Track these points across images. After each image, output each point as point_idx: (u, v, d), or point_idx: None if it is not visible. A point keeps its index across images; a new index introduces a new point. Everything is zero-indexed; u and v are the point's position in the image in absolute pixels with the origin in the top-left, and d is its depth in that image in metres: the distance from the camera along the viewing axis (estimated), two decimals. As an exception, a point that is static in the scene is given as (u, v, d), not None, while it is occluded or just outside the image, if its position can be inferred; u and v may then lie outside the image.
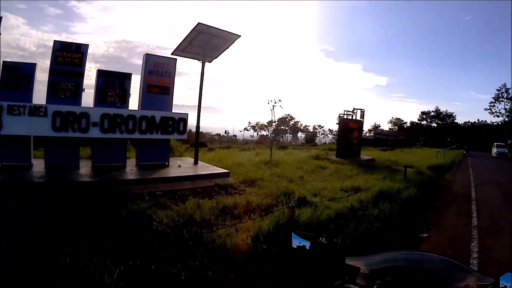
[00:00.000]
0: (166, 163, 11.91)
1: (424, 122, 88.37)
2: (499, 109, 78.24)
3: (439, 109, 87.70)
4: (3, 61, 10.17)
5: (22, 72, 10.11)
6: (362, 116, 24.22)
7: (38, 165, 10.49)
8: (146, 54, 11.55)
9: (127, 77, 11.21)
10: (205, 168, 11.90)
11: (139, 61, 11.68)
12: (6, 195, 7.09)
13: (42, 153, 10.96)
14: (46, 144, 10.56)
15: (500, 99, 77.70)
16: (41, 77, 10.93)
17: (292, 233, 1.64)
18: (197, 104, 12.95)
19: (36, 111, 9.87)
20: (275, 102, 17.36)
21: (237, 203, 7.70)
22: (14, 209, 6.28)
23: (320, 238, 1.59)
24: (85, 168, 10.62)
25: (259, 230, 5.64)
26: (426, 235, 7.07)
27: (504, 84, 76.80)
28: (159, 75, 11.65)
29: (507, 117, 76.15)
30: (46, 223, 5.48)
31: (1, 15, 10.38)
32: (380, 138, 47.97)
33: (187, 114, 12.01)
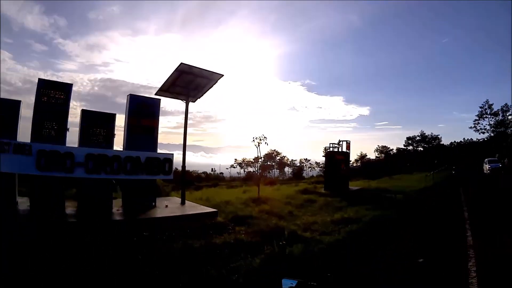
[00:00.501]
0: (153, 203, 11.68)
1: (410, 147, 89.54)
2: (484, 126, 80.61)
3: (424, 133, 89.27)
4: None
5: (5, 109, 9.98)
6: (348, 147, 24.35)
7: (23, 203, 10.28)
8: (130, 94, 11.52)
9: (111, 117, 11.11)
10: (193, 208, 11.73)
11: (124, 100, 11.69)
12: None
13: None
14: (32, 183, 10.23)
15: (484, 116, 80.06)
16: (27, 114, 10.80)
17: (283, 280, 1.58)
18: (182, 143, 12.91)
19: (21, 149, 9.63)
20: (260, 139, 17.44)
21: (226, 242, 7.57)
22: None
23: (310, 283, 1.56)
24: (70, 208, 10.38)
25: (249, 269, 5.64)
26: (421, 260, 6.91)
27: (486, 101, 79.16)
28: (143, 115, 11.57)
29: (492, 132, 78.24)
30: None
31: None
32: (367, 167, 48.16)
33: (173, 154, 11.85)
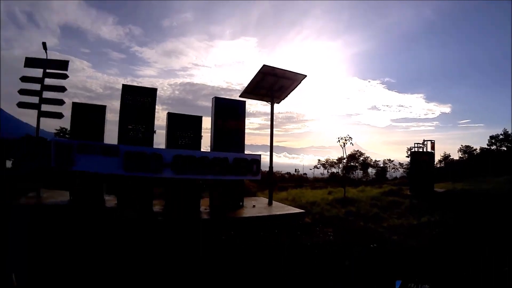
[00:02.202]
0: (241, 203, 11.44)
1: (493, 147, 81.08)
2: None
3: (507, 131, 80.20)
4: (73, 102, 10.54)
5: (93, 114, 10.41)
6: (433, 147, 22.36)
7: (110, 201, 10.63)
8: (215, 97, 11.30)
9: (198, 120, 11.03)
10: (280, 208, 11.36)
11: (205, 103, 11.59)
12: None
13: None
14: (119, 183, 10.58)
15: None
16: (111, 118, 11.11)
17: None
18: (266, 143, 12.51)
19: (108, 150, 10.01)
20: (346, 140, 16.75)
21: (314, 243, 7.38)
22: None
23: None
24: (157, 207, 10.51)
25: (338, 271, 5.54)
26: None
27: None
28: (229, 117, 11.34)
29: None
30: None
31: (67, 60, 10.90)
32: (451, 168, 44.17)
33: (260, 155, 11.50)
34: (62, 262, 5.45)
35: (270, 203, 12.22)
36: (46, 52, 10.97)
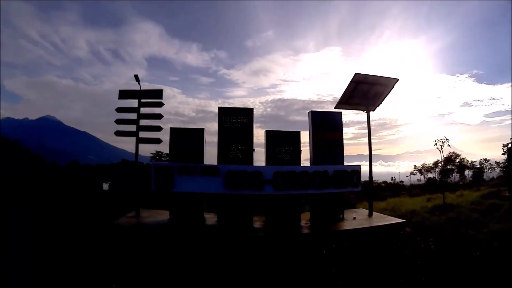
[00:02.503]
0: (341, 215, 11.09)
1: None
2: None
3: None
4: (170, 128, 10.86)
5: (191, 137, 10.67)
6: (533, 142, 20.90)
7: (211, 219, 10.78)
8: (311, 111, 11.12)
9: (296, 135, 10.88)
10: (381, 219, 10.92)
11: (297, 117, 11.47)
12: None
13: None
14: (219, 201, 10.67)
15: None
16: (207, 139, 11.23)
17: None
18: (361, 153, 12.10)
19: (208, 170, 10.20)
20: (442, 142, 15.97)
21: (417, 254, 6.98)
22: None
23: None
24: (258, 223, 10.46)
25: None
26: None
27: None
28: (326, 130, 11.09)
29: None
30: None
31: (161, 89, 11.23)
32: None
33: (360, 166, 11.09)
34: (164, 279, 5.51)
35: (370, 214, 11.76)
36: (139, 83, 11.27)
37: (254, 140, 10.75)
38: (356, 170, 10.91)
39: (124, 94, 11.29)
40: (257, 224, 10.35)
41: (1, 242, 5.80)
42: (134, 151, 11.20)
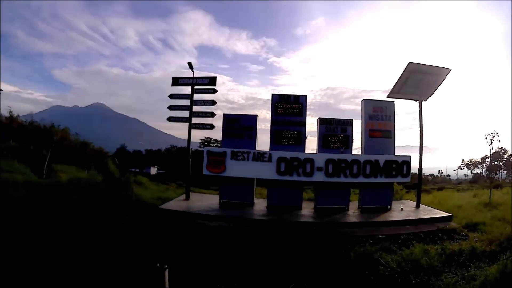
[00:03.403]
0: (389, 206, 10.97)
1: None
2: None
3: None
4: (224, 114, 11.02)
5: (243, 123, 10.86)
6: None
7: (260, 204, 10.89)
8: (364, 99, 11.08)
9: (348, 123, 10.88)
10: (428, 212, 10.67)
11: (346, 106, 11.50)
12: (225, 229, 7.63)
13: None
14: (269, 186, 10.89)
15: None
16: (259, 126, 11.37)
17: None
18: (413, 144, 11.86)
19: (260, 157, 10.37)
20: (493, 136, 15.69)
21: (462, 249, 6.87)
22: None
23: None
24: (307, 210, 10.54)
25: (485, 278, 5.13)
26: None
27: None
28: (379, 119, 11.00)
29: None
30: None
31: (214, 76, 11.43)
32: None
33: (410, 156, 10.90)
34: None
35: (417, 206, 11.57)
36: (192, 70, 11.45)
37: (308, 128, 10.86)
38: (407, 160, 10.78)
39: (177, 81, 11.51)
40: (305, 211, 10.38)
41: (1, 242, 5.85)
42: (182, 137, 11.39)
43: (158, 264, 3.21)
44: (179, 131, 11.46)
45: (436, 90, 11.56)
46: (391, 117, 11.10)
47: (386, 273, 5.25)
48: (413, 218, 9.81)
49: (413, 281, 4.95)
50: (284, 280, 4.87)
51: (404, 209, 10.88)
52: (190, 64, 11.48)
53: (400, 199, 13.29)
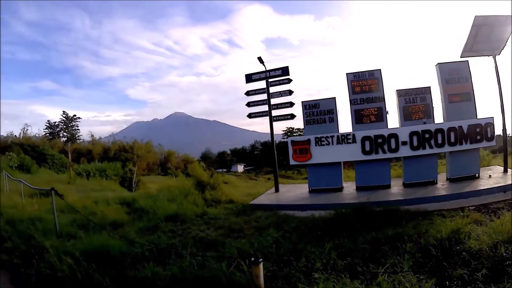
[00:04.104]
0: (477, 174, 10.72)
1: None
2: None
3: None
4: (302, 101, 11.25)
5: (323, 108, 11.04)
6: None
7: (349, 187, 11.06)
8: (439, 63, 10.84)
9: (427, 91, 10.72)
10: None
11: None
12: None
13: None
14: (357, 167, 10.99)
15: None
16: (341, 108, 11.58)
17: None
18: (497, 104, 11.46)
19: (344, 139, 10.60)
20: None
21: None
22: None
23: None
24: (396, 187, 10.55)
25: None
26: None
27: None
28: (456, 82, 10.74)
29: None
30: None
31: (287, 65, 11.77)
32: None
33: (493, 117, 10.65)
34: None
35: (505, 171, 11.25)
36: (263, 64, 11.86)
37: (386, 101, 10.85)
38: (490, 122, 10.55)
39: (251, 77, 11.96)
40: (394, 189, 10.41)
41: None
42: (264, 132, 11.78)
43: (253, 258, 3.18)
44: (260, 125, 11.91)
45: (508, 41, 11.29)
46: (468, 78, 10.80)
47: (478, 247, 4.91)
48: (502, 184, 9.47)
49: (504, 254, 4.57)
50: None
51: (492, 176, 10.63)
52: (260, 58, 11.90)
53: (488, 166, 12.98)
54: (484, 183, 9.86)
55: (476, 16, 10.78)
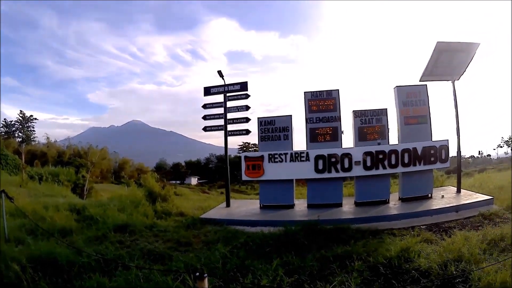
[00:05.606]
0: (429, 194, 10.71)
1: None
2: None
3: None
4: (258, 117, 11.04)
5: (278, 125, 10.87)
6: None
7: (300, 205, 10.84)
8: (397, 86, 10.84)
9: (383, 112, 10.67)
10: (468, 197, 10.37)
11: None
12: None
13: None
14: (309, 185, 10.82)
15: None
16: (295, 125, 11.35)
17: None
18: (453, 127, 11.46)
19: (298, 156, 10.42)
20: None
21: (504, 234, 6.46)
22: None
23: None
24: (348, 206, 10.42)
25: None
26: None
27: None
28: (413, 105, 10.76)
29: None
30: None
31: (245, 81, 11.52)
32: None
33: (448, 140, 10.73)
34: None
35: (458, 191, 11.30)
36: (223, 78, 11.58)
37: (342, 121, 10.75)
38: (445, 145, 10.59)
39: (209, 90, 11.68)
40: (346, 208, 10.30)
41: None
42: (220, 145, 11.61)
43: (198, 273, 3.17)
44: (217, 139, 11.79)
45: (467, 67, 11.31)
46: (425, 101, 10.82)
47: (427, 265, 5.05)
48: (454, 204, 9.58)
49: (454, 272, 4.74)
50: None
51: (444, 196, 10.63)
52: (220, 72, 11.64)
53: (441, 186, 13.04)
54: (436, 203, 9.91)
55: (438, 42, 10.75)
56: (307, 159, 10.42)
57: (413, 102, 10.82)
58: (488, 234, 6.52)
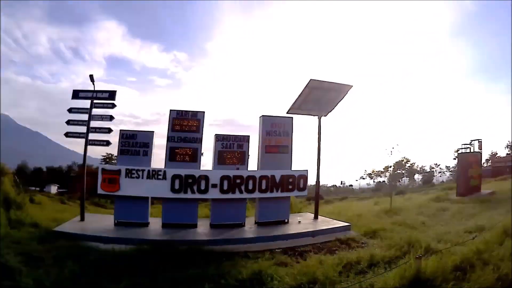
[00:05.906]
0: (286, 220, 11.05)
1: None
2: None
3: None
4: (120, 130, 10.64)
5: (140, 140, 10.55)
6: (480, 147, 21.16)
7: (155, 223, 10.59)
8: (262, 115, 11.04)
9: (245, 139, 10.84)
10: (326, 223, 10.91)
11: (251, 122, 11.52)
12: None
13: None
14: (164, 204, 10.65)
15: None
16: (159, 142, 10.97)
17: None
18: (315, 159, 12.12)
19: (155, 174, 10.16)
20: (393, 148, 16.49)
21: (360, 257, 6.85)
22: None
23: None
24: (203, 227, 10.40)
25: (384, 285, 5.09)
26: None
27: None
28: (277, 135, 11.04)
29: None
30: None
31: (115, 90, 11.11)
32: (498, 166, 40.99)
33: (307, 170, 11.13)
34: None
35: (316, 218, 11.82)
36: (93, 84, 10.98)
37: (204, 143, 10.75)
38: (304, 174, 11.03)
39: (77, 94, 11.02)
40: (201, 229, 10.29)
41: None
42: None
43: None
44: (82, 147, 11.17)
45: (336, 106, 11.71)
46: (289, 133, 11.19)
47: None
48: (310, 230, 9.94)
49: None
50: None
51: (302, 222, 10.99)
52: (91, 76, 11.02)
53: (299, 212, 13.48)
54: (293, 228, 10.27)
55: (311, 80, 11.03)
56: (164, 177, 10.17)
57: (276, 132, 11.10)
58: (344, 258, 6.80)
